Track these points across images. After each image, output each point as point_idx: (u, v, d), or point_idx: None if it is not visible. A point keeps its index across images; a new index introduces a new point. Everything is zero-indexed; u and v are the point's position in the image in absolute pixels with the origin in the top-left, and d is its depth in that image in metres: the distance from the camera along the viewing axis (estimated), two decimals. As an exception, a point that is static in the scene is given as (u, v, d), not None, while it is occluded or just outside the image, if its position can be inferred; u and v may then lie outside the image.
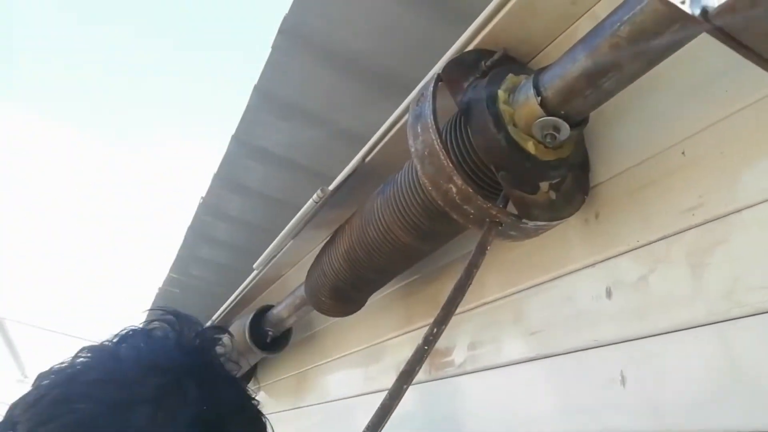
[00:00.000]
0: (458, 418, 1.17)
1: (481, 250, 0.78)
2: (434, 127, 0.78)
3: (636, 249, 0.81)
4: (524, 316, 1.02)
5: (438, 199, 0.81)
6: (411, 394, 1.33)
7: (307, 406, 1.93)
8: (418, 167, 0.82)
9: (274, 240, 1.48)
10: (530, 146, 0.77)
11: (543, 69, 0.76)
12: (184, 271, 3.49)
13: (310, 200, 1.17)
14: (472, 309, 1.16)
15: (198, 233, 2.91)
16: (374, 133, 1.23)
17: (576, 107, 0.72)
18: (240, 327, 1.88)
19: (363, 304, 1.41)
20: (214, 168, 2.33)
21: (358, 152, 1.24)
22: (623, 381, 0.79)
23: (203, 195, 2.56)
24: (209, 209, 2.65)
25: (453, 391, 1.17)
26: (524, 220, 0.78)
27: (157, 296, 3.93)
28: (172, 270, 3.42)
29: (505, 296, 1.07)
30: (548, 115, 0.74)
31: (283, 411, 2.18)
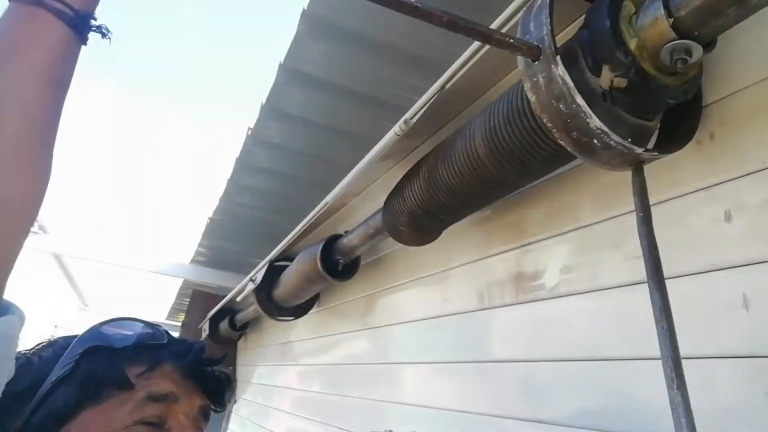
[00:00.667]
0: (547, 342, 1.19)
1: (645, 194, 0.76)
2: (555, 56, 0.73)
3: (761, 171, 0.78)
4: (626, 240, 1.01)
5: (567, 140, 0.78)
6: (492, 316, 1.37)
7: (378, 327, 2.00)
8: (534, 101, 0.79)
9: (327, 167, 1.47)
10: (657, 73, 0.72)
11: (672, -15, 0.70)
12: (233, 201, 3.54)
13: (391, 132, 1.14)
14: (564, 233, 1.16)
15: (246, 164, 2.93)
16: (435, 56, 1.16)
17: (714, 28, 0.67)
18: (310, 256, 1.93)
19: (440, 234, 1.42)
20: (262, 98, 2.30)
21: (407, 73, 1.19)
22: (746, 304, 0.79)
23: (251, 126, 2.54)
24: (256, 140, 2.64)
25: (542, 315, 1.19)
26: (655, 153, 0.75)
27: (208, 226, 4.02)
28: (221, 199, 3.48)
29: (603, 220, 1.06)
30: (680, 37, 0.69)
31: (353, 331, 2.27)
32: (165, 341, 0.72)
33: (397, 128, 1.13)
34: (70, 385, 0.63)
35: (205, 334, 4.27)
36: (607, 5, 0.74)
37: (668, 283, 0.90)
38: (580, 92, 0.72)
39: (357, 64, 1.92)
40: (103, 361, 0.65)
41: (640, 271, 0.95)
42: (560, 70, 0.72)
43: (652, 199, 0.95)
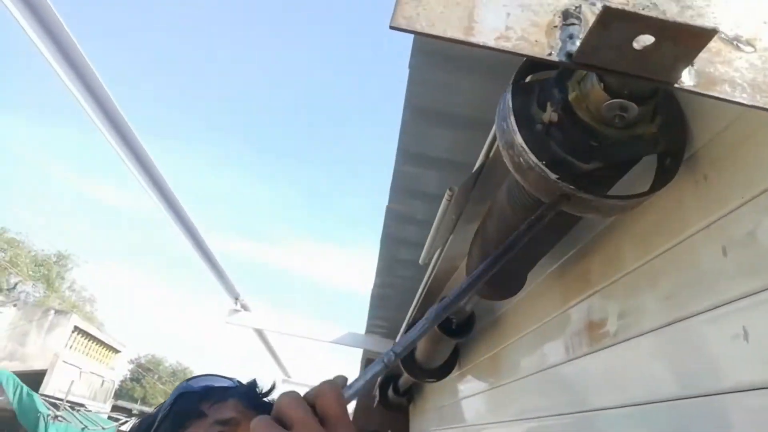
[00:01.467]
0: (619, 384, 1.21)
1: (539, 218, 0.86)
2: (515, 131, 0.88)
3: (744, 204, 0.81)
4: (659, 282, 1.04)
5: (507, 156, 0.91)
6: (577, 367, 1.40)
7: (503, 384, 2.07)
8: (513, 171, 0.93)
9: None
10: (592, 121, 0.83)
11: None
12: (389, 273, 3.86)
13: (443, 200, 1.32)
14: (616, 281, 1.20)
15: (391, 238, 3.23)
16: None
17: (637, 87, 0.77)
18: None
19: (514, 288, 1.51)
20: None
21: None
22: (746, 336, 0.80)
23: (387, 204, 2.85)
24: (394, 216, 2.94)
25: (609, 361, 1.22)
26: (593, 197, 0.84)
27: (373, 296, 4.40)
28: (378, 273, 3.82)
29: (642, 265, 1.10)
30: (613, 98, 0.79)
31: (486, 390, 2.34)
32: (233, 385, 0.98)
33: (446, 195, 1.30)
34: (167, 421, 0.90)
35: (376, 400, 4.54)
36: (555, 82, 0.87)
37: (682, 324, 0.93)
38: (518, 117, 0.86)
39: (460, 141, 2.12)
40: (186, 401, 0.92)
41: (673, 310, 0.99)
42: (508, 96, 0.87)
43: (665, 245, 0.99)
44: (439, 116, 2.08)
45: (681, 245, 0.95)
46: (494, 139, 1.25)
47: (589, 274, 1.33)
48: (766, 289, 0.78)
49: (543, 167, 0.85)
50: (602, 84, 0.80)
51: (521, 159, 0.87)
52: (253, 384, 0.98)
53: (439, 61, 1.79)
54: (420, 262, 1.77)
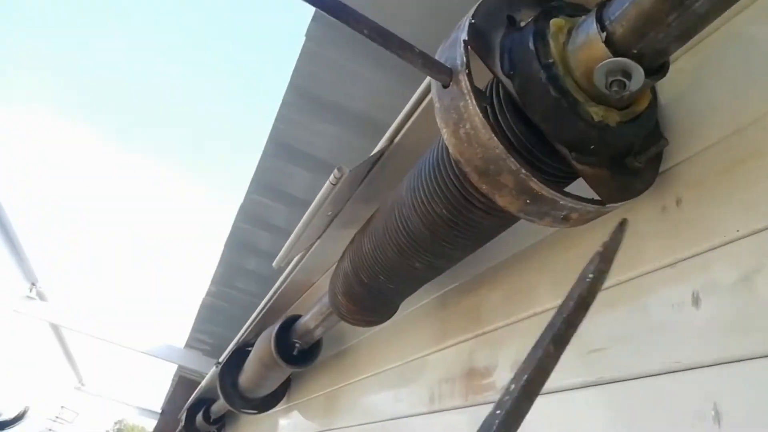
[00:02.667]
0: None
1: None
2: (494, 133, 0.60)
3: (735, 241, 0.61)
4: (581, 329, 0.82)
5: (484, 187, 0.64)
6: (443, 423, 1.15)
7: (336, 429, 1.76)
8: (453, 149, 0.65)
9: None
10: (586, 105, 0.59)
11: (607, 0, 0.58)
12: (228, 283, 3.42)
13: (327, 182, 1.02)
14: (519, 321, 0.97)
15: (239, 242, 2.83)
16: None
17: (655, 42, 0.54)
18: (266, 338, 1.74)
19: (384, 314, 1.24)
20: (250, 174, 2.24)
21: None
22: (717, 417, 0.59)
23: (241, 202, 2.47)
24: (247, 217, 2.56)
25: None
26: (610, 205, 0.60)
27: (202, 307, 3.88)
28: (214, 281, 3.36)
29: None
30: (616, 56, 0.56)
31: (314, 433, 2.02)
32: None
33: (332, 177, 1.01)
34: None
35: (181, 425, 3.97)
36: (531, 28, 0.62)
37: (623, 387, 0.71)
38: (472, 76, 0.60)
39: (335, 137, 1.85)
40: None
41: (594, 369, 0.76)
42: (460, 38, 0.60)
43: (610, 281, 0.77)
44: (324, 106, 1.80)
45: (628, 284, 0.74)
46: (404, 121, 0.98)
47: (480, 309, 1.09)
48: (749, 358, 0.58)
49: (551, 191, 0.59)
50: (605, 34, 0.56)
51: (469, 137, 0.60)
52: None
53: (335, 40, 1.54)
54: (274, 265, 1.44)
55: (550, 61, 0.61)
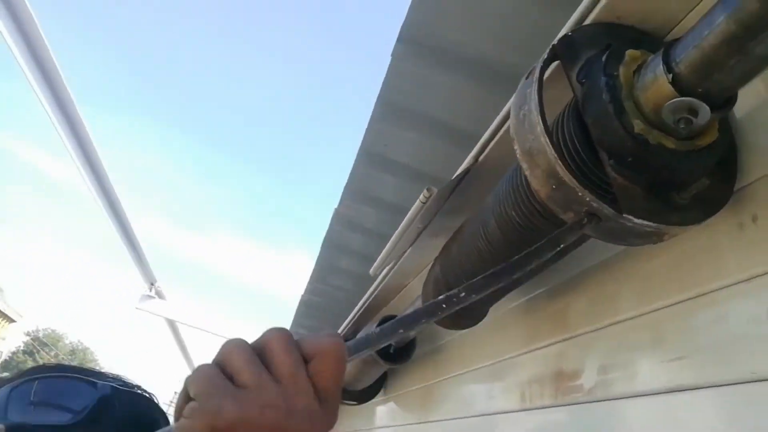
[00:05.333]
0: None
1: (553, 244, 0.67)
2: (540, 114, 0.68)
3: (810, 259, 0.64)
4: (664, 338, 0.86)
5: (538, 190, 0.71)
6: (534, 421, 1.21)
7: (432, 421, 1.86)
8: (512, 128, 0.74)
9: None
10: (654, 134, 0.64)
11: (675, 40, 0.63)
12: (323, 281, 3.62)
13: (417, 201, 1.11)
14: (603, 327, 1.02)
15: (334, 244, 3.00)
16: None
17: (718, 83, 0.59)
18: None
19: (475, 318, 1.31)
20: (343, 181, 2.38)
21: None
22: (793, 427, 0.63)
23: (336, 207, 2.63)
24: (341, 220, 2.71)
25: (580, 421, 1.03)
26: (627, 216, 0.65)
27: (301, 304, 4.12)
28: (311, 279, 3.56)
29: (642, 314, 0.92)
30: (682, 95, 0.61)
31: (410, 424, 2.13)
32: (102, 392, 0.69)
33: (421, 196, 1.10)
34: None
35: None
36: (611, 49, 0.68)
37: (701, 394, 0.76)
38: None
39: (421, 144, 1.94)
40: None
41: (675, 377, 0.81)
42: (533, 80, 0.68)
43: (691, 291, 0.82)
44: (410, 116, 1.89)
45: (707, 297, 0.78)
46: (489, 139, 1.06)
47: (567, 315, 1.14)
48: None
49: (573, 179, 0.66)
50: (671, 75, 0.61)
51: (524, 118, 0.68)
52: (146, 408, 0.71)
53: (419, 53, 1.62)
54: (371, 272, 1.56)
55: (615, 74, 0.67)
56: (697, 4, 0.76)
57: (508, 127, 1.03)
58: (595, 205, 0.67)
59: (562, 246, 0.68)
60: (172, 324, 5.80)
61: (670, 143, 0.65)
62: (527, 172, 0.73)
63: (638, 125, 0.65)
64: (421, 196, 1.08)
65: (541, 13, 1.33)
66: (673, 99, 0.62)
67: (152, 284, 4.68)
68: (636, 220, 0.66)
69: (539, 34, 1.32)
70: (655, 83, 0.64)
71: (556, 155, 0.67)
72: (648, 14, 0.77)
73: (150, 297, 4.78)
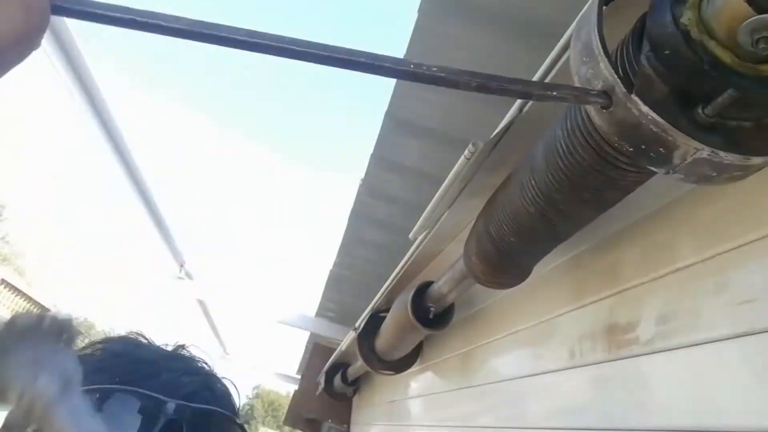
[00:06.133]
0: (645, 407, 1.00)
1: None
2: (602, 51, 0.64)
3: None
4: (730, 283, 0.83)
5: (621, 141, 0.66)
6: (585, 377, 1.19)
7: (473, 386, 1.85)
8: (614, 138, 0.68)
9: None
10: (728, 57, 0.60)
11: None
12: (351, 253, 3.62)
13: (462, 157, 1.08)
14: (660, 277, 0.99)
15: (360, 215, 2.98)
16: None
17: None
18: (402, 304, 1.86)
19: (520, 276, 1.29)
20: (370, 148, 2.34)
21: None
22: None
23: (362, 177, 2.60)
24: (368, 190, 2.69)
25: (638, 373, 1.01)
26: (635, 100, 0.60)
27: (329, 279, 4.13)
28: (339, 252, 3.56)
29: (704, 260, 0.88)
30: (758, 12, 0.56)
31: (450, 391, 2.13)
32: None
33: (466, 152, 1.06)
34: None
35: (320, 387, 4.29)
36: (669, 16, 0.63)
37: (760, 338, 0.72)
38: (678, 128, 0.61)
39: (449, 107, 1.89)
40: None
41: (744, 320, 0.78)
42: (646, 111, 0.60)
43: (760, 231, 0.78)
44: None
45: (780, 236, 0.74)
46: (521, 104, 1.01)
47: (618, 268, 1.11)
48: None
49: (682, 135, 0.61)
50: (745, -8, 0.57)
51: (709, 168, 0.62)
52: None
53: (446, 10, 1.56)
54: (410, 237, 1.54)
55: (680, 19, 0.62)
56: None
57: (552, 78, 0.99)
58: (610, 79, 0.61)
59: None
60: (202, 304, 5.89)
61: (726, 57, 0.60)
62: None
63: (690, 24, 0.60)
64: (466, 152, 1.05)
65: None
66: (748, 19, 0.57)
67: (182, 266, 4.73)
68: (643, 108, 0.60)
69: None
70: (727, 5, 0.59)
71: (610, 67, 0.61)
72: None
73: (180, 278, 4.84)
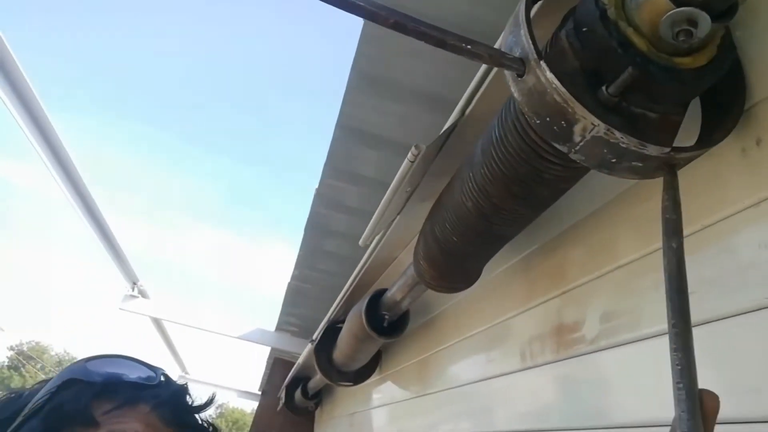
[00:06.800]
0: (599, 406, 1.00)
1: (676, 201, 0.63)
2: (524, 20, 0.64)
3: (820, 175, 0.62)
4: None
5: (562, 145, 0.67)
6: (538, 378, 1.19)
7: (432, 393, 1.84)
8: (525, 108, 0.68)
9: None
10: (644, 45, 0.60)
11: (668, -49, 0.59)
12: (309, 265, 3.57)
13: (405, 160, 1.07)
14: (603, 275, 1.00)
15: (317, 226, 2.95)
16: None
17: (718, -10, 0.55)
18: (357, 313, 1.84)
19: (468, 279, 1.28)
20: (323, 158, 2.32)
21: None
22: (813, 348, 0.60)
23: (317, 186, 2.57)
24: (323, 201, 2.66)
25: (586, 372, 1.01)
26: (543, 67, 0.61)
27: (288, 290, 4.07)
28: (297, 265, 3.51)
29: (644, 256, 0.89)
30: (678, 5, 0.57)
31: (410, 399, 2.11)
32: (150, 382, 0.66)
33: (409, 154, 1.06)
34: (37, 419, 0.58)
35: (281, 403, 4.21)
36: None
37: (715, 327, 0.73)
38: (580, 101, 0.61)
39: (401, 115, 1.89)
40: (74, 395, 0.60)
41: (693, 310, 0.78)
42: (551, 79, 0.61)
43: (695, 225, 0.79)
44: (388, 86, 1.84)
45: (713, 228, 0.75)
46: (474, 91, 1.02)
47: (565, 267, 1.12)
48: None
49: (581, 108, 0.61)
50: (666, -14, 0.58)
51: (607, 151, 0.63)
52: (182, 389, 0.68)
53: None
54: (360, 243, 1.52)
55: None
56: None
57: (492, 80, 0.99)
58: (527, 46, 0.62)
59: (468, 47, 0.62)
60: (158, 323, 5.72)
61: (642, 44, 0.61)
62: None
63: (609, 4, 0.61)
64: (409, 155, 1.04)
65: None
66: (668, 12, 0.58)
67: (134, 284, 4.58)
68: (548, 75, 0.61)
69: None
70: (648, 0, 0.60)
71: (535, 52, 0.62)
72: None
73: (133, 297, 4.69)
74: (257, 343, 5.09)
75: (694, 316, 0.77)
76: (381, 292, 1.77)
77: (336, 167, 2.37)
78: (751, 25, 0.71)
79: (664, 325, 0.83)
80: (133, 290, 4.63)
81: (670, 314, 0.59)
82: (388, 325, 1.78)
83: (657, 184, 0.89)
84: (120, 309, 4.72)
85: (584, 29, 0.65)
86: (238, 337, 5.10)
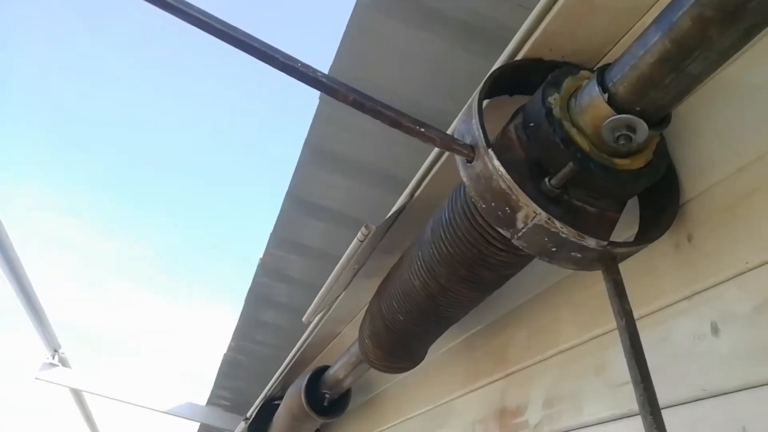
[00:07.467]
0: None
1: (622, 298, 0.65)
2: (476, 110, 0.68)
3: (746, 272, 0.66)
4: (608, 364, 0.86)
5: (512, 235, 0.69)
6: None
7: (370, 478, 1.77)
8: (472, 192, 0.71)
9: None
10: (586, 144, 0.65)
11: (609, 64, 0.65)
12: (248, 337, 3.44)
13: (355, 239, 1.07)
14: (545, 359, 1.01)
15: (258, 296, 2.87)
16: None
17: (655, 101, 0.61)
18: (296, 390, 1.77)
19: (412, 360, 1.27)
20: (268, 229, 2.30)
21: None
22: (746, 440, 0.62)
23: (261, 256, 2.53)
24: (266, 271, 2.61)
25: (529, 459, 1.00)
26: (491, 154, 0.65)
27: (223, 362, 3.89)
28: (234, 336, 3.38)
29: (583, 342, 0.92)
30: (618, 113, 0.62)
31: (346, 484, 2.02)
32: None
33: (359, 234, 1.06)
34: None
35: (207, 485, 3.91)
36: (540, 98, 0.69)
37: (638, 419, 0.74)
38: (523, 189, 0.65)
39: (349, 189, 1.92)
40: None
41: (625, 402, 0.80)
42: (497, 166, 0.65)
43: (633, 315, 0.82)
44: (341, 163, 1.87)
45: (649, 318, 0.78)
46: (424, 174, 1.05)
47: (508, 350, 1.13)
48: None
49: (524, 196, 0.65)
50: (607, 95, 0.63)
51: (548, 239, 0.66)
52: None
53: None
54: (304, 320, 1.49)
55: (552, 100, 0.68)
56: (622, 38, 0.80)
57: (442, 165, 1.03)
58: (477, 134, 0.67)
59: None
60: (78, 394, 5.30)
61: (584, 143, 0.66)
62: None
63: (554, 103, 0.66)
64: (359, 234, 1.05)
65: (467, 62, 1.37)
66: (609, 118, 0.63)
67: (56, 351, 4.26)
68: (495, 162, 0.65)
69: (467, 82, 1.36)
70: (591, 105, 0.65)
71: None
72: (576, 49, 0.80)
73: (53, 365, 4.35)
74: (186, 418, 4.78)
75: (633, 405, 0.79)
76: (322, 369, 1.72)
77: (282, 237, 2.35)
78: (681, 131, 0.78)
79: (606, 413, 0.85)
80: (53, 358, 4.31)
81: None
82: (329, 403, 1.72)
83: (594, 273, 0.93)
84: (36, 379, 4.36)
85: (531, 124, 0.69)
86: (165, 412, 4.78)
